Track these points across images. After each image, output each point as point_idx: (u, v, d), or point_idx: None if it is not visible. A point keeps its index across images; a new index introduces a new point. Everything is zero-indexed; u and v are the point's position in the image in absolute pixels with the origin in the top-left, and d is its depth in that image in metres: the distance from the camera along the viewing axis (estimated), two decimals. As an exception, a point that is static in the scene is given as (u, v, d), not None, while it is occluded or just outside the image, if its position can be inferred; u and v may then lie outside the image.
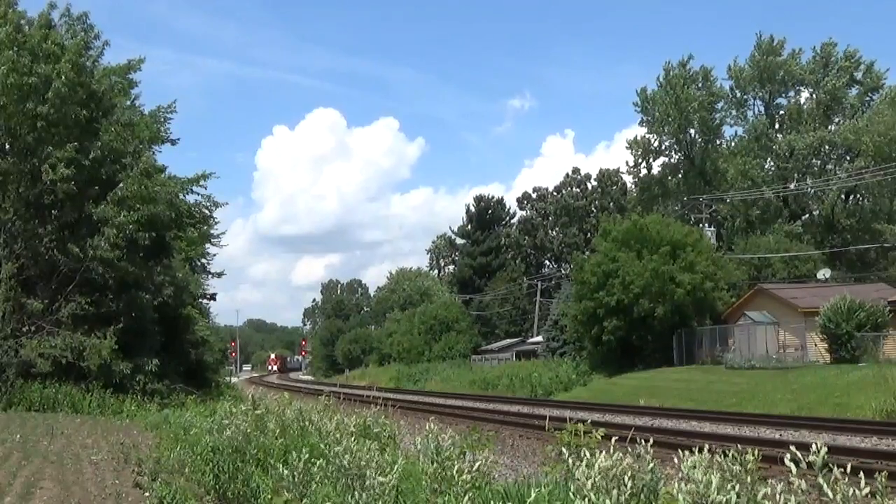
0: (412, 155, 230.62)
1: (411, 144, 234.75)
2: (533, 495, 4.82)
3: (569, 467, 4.75)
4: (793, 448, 4.13)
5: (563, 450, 5.41)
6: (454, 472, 5.49)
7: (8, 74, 20.48)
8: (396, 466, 5.74)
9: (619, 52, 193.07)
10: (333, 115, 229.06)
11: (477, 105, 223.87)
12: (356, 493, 5.30)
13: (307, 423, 10.77)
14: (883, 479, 3.93)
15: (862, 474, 3.97)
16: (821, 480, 3.81)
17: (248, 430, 8.89)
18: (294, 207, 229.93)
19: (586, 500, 4.19)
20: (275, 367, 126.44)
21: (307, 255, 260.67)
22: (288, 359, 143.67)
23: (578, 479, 4.44)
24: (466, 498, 5.02)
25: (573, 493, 4.59)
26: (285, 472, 6.05)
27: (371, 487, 5.29)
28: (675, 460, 4.57)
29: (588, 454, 4.71)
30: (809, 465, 4.04)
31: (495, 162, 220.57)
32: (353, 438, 7.94)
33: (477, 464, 5.74)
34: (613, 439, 5.45)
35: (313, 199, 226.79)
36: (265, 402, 13.05)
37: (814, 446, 4.11)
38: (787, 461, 4.07)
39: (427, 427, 6.74)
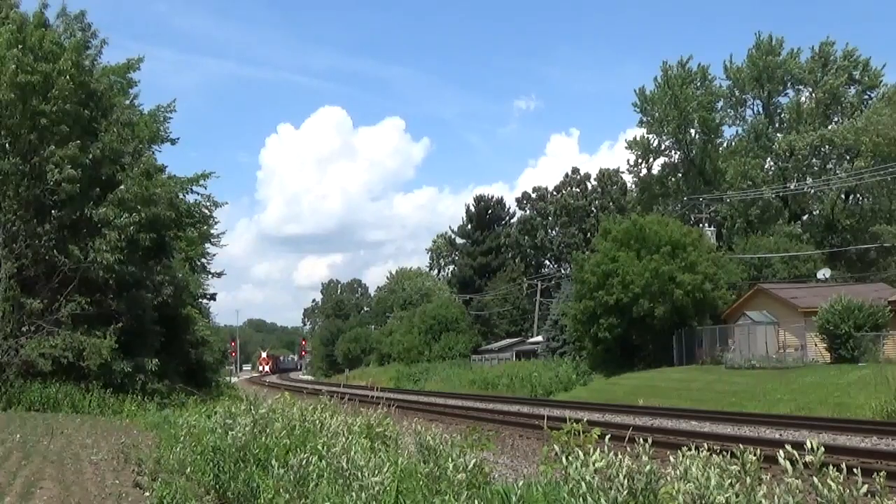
0: (417, 155, 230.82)
1: (417, 145, 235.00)
2: (518, 492, 4.82)
3: (564, 467, 4.75)
4: (788, 447, 4.12)
5: (556, 447, 5.41)
6: (449, 471, 5.49)
7: (16, 73, 20.53)
8: (388, 466, 5.75)
9: (622, 52, 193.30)
10: (339, 114, 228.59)
11: (482, 105, 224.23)
12: (355, 492, 5.30)
13: (310, 423, 10.76)
14: (882, 479, 3.93)
15: (858, 473, 3.96)
16: (816, 481, 3.81)
17: (254, 430, 8.89)
18: (298, 207, 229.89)
19: (581, 499, 4.19)
20: (266, 368, 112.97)
21: (310, 254, 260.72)
22: (282, 358, 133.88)
23: (573, 479, 4.43)
24: (464, 497, 5.02)
25: (568, 493, 4.59)
26: (282, 471, 6.06)
27: (370, 487, 5.29)
28: (673, 459, 4.57)
29: (582, 454, 4.70)
30: (806, 465, 4.04)
31: (499, 162, 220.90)
32: (355, 438, 7.95)
33: (471, 462, 5.73)
34: (607, 437, 5.46)
35: (317, 198, 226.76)
36: (265, 402, 13.02)
37: (808, 444, 4.11)
38: (781, 461, 4.07)
39: (415, 427, 6.74)
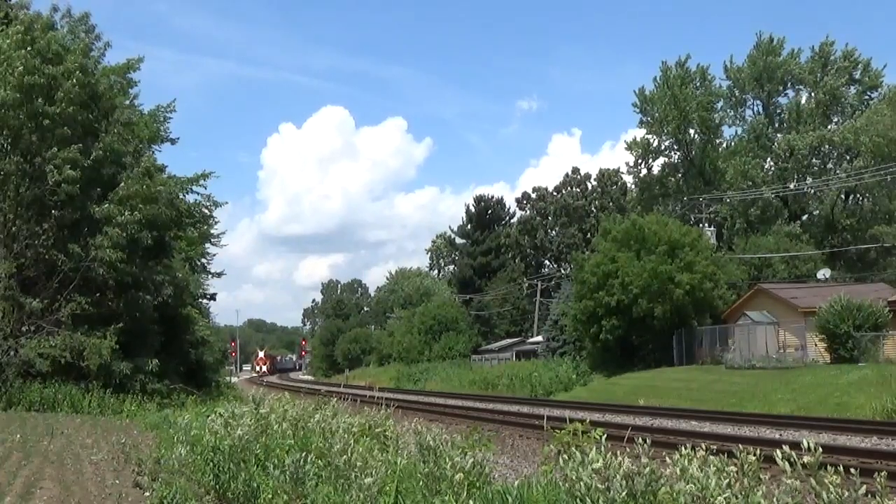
0: (419, 155, 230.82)
1: (419, 145, 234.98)
2: (517, 492, 4.82)
3: (562, 467, 4.75)
4: (786, 448, 4.12)
5: (553, 446, 5.42)
6: (448, 470, 5.49)
7: (24, 74, 20.53)
8: (382, 465, 5.75)
9: (622, 52, 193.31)
10: (341, 114, 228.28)
11: (483, 105, 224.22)
12: (354, 492, 5.30)
13: (310, 423, 10.75)
14: (882, 480, 3.93)
15: (855, 472, 3.96)
16: (813, 482, 3.81)
17: (257, 430, 8.90)
18: (299, 207, 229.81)
19: (580, 500, 4.19)
20: (263, 368, 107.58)
21: (311, 254, 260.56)
22: (279, 358, 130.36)
23: (571, 479, 4.43)
24: (464, 495, 5.02)
25: (567, 493, 4.59)
26: (277, 472, 6.06)
27: (369, 487, 5.29)
28: (669, 460, 4.56)
29: (580, 454, 4.70)
30: (804, 465, 4.04)
31: (501, 162, 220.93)
32: (354, 439, 7.95)
33: (469, 462, 5.73)
34: (605, 437, 5.45)
35: (318, 198, 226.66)
36: (267, 401, 13.03)
37: (804, 444, 4.10)
38: (779, 461, 4.06)
39: (415, 427, 6.75)
